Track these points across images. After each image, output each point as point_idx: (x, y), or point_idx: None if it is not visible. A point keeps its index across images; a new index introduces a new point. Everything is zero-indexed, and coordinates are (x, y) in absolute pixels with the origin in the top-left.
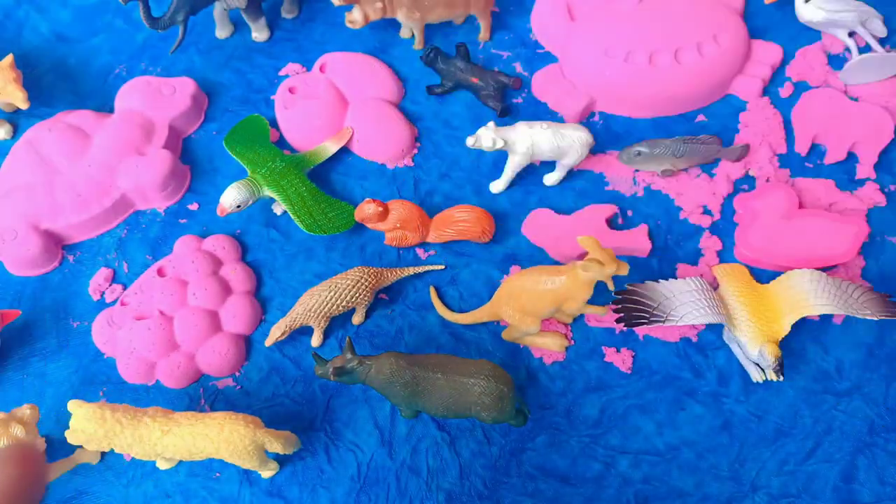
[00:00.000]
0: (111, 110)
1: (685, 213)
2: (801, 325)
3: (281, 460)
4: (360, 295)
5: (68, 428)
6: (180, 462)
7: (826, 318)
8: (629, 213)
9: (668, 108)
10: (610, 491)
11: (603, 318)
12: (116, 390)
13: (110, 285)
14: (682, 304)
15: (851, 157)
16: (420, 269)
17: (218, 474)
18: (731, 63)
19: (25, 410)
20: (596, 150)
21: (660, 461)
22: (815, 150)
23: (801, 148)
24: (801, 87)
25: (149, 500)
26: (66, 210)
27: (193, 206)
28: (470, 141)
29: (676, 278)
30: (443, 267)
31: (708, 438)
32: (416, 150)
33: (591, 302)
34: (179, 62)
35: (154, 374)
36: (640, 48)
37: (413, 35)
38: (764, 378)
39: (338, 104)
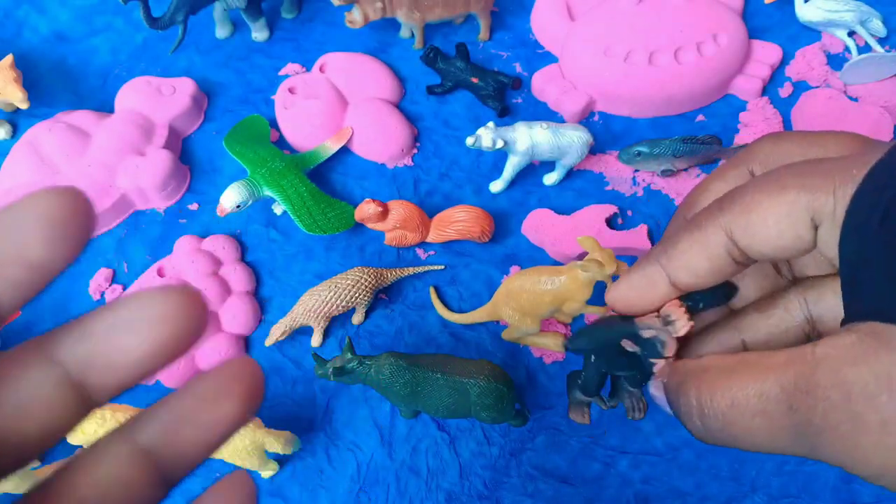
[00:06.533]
0: (111, 110)
1: None
2: None
3: (281, 460)
4: (360, 295)
5: None
6: None
7: None
8: (629, 213)
9: (668, 108)
10: (610, 491)
11: None
12: None
13: (110, 285)
14: None
15: None
16: (420, 269)
17: (218, 474)
18: (730, 63)
19: None
20: (596, 150)
21: (660, 461)
22: None
23: None
24: (800, 87)
25: None
26: None
27: (193, 207)
28: (470, 141)
29: None
30: (442, 267)
31: None
32: (415, 150)
33: (590, 302)
34: (179, 62)
35: None
36: (639, 48)
37: (413, 35)
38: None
39: (337, 104)
